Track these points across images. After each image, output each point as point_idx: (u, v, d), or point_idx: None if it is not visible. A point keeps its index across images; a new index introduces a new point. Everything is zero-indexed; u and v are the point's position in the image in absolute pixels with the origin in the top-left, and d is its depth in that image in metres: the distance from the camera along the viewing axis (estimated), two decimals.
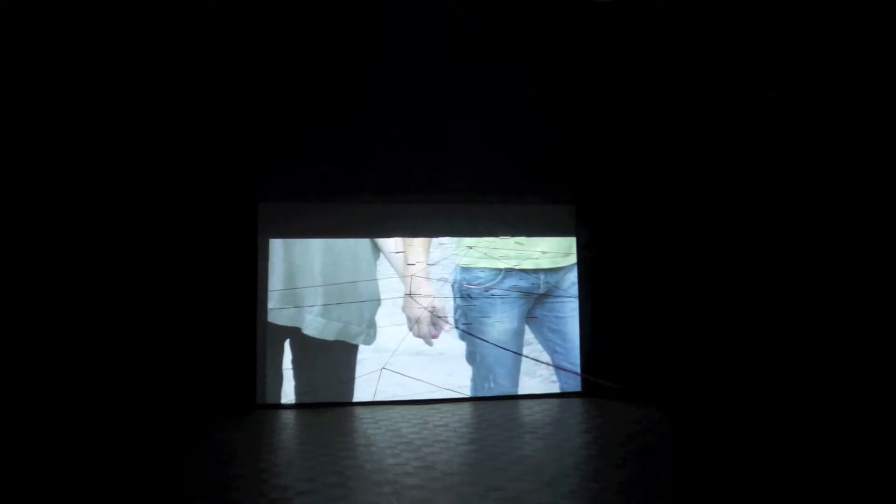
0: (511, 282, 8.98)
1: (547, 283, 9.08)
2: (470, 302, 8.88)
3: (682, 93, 8.49)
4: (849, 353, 7.91)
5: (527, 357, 8.94)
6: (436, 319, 8.79)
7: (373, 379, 8.54)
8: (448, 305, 8.84)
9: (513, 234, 9.00)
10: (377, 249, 8.78)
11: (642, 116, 8.83)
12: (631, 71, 8.55)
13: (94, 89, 7.72)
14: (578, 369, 8.95)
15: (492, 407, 8.26)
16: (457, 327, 8.82)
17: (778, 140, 8.41)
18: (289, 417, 7.85)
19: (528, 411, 8.05)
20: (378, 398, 8.50)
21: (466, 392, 8.74)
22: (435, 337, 8.78)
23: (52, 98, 7.63)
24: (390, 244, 8.80)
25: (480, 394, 8.75)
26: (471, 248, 8.93)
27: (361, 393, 8.50)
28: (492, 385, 8.83)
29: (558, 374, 8.97)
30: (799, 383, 8.13)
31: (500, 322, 8.92)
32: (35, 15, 7.15)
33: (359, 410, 8.14)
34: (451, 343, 8.82)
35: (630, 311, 8.84)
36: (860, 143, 7.95)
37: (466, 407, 8.29)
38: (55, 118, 7.70)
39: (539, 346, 9.02)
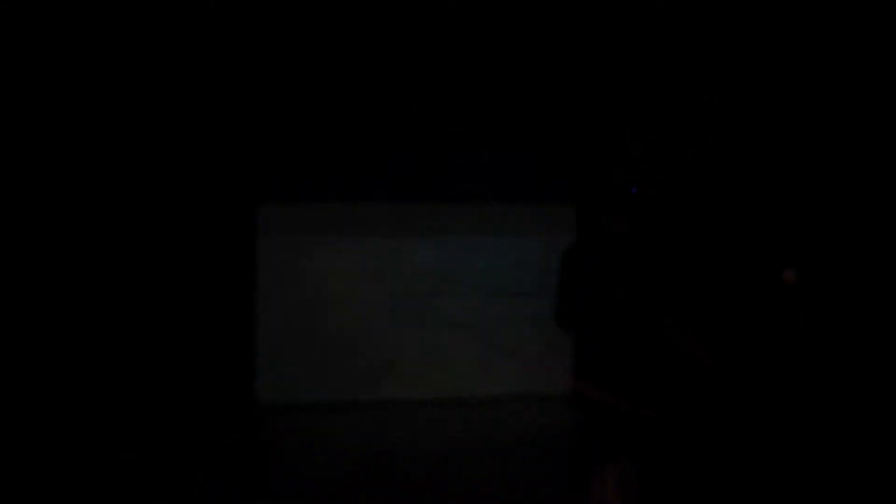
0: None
1: None
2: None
3: (682, 92, 8.48)
4: (849, 353, 7.89)
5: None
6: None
7: (373, 383, 8.33)
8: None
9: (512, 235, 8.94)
10: None
11: (643, 116, 8.81)
12: (631, 71, 8.54)
13: (91, 89, 7.72)
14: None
15: (492, 406, 8.23)
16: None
17: (781, 138, 8.40)
18: (289, 418, 7.84)
19: (528, 411, 8.02)
20: (379, 399, 8.35)
21: None
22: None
23: (51, 100, 7.63)
24: None
25: None
26: None
27: (361, 394, 8.26)
28: None
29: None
30: (799, 384, 8.12)
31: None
32: (34, 15, 7.16)
33: (360, 411, 8.12)
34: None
35: (631, 313, 8.79)
36: (866, 143, 7.93)
37: (466, 407, 8.26)
38: (53, 120, 7.69)
39: None
